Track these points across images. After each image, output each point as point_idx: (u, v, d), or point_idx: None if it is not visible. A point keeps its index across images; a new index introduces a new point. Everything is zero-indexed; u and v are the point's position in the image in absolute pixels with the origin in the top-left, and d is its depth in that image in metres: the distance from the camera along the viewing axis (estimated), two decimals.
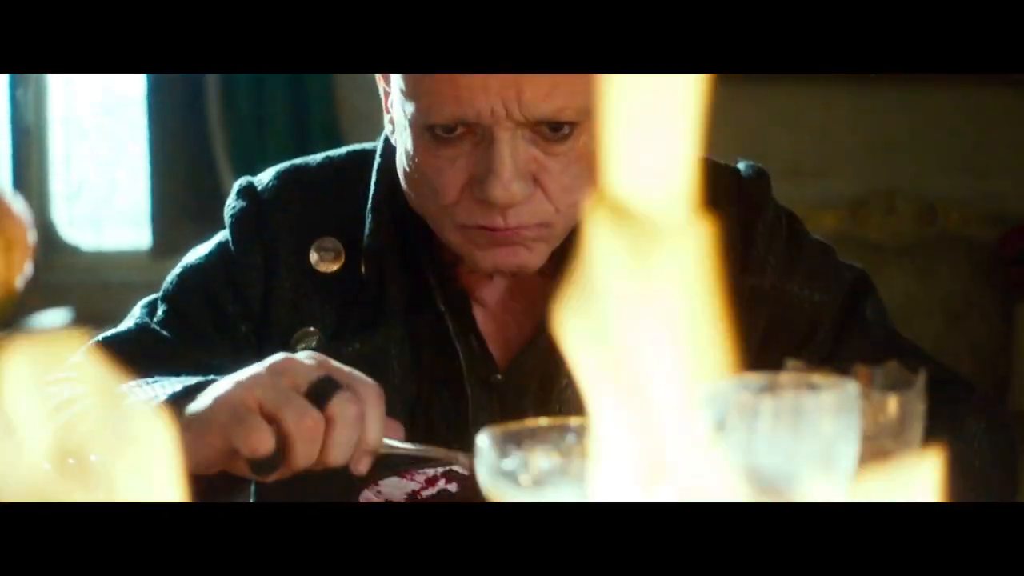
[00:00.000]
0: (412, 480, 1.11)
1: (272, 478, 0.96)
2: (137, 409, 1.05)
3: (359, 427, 0.97)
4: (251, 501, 1.33)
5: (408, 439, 1.13)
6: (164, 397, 1.04)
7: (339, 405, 0.96)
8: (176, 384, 1.07)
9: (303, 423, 0.95)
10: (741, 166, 1.29)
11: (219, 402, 0.98)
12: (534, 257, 1.14)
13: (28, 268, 0.53)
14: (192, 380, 1.07)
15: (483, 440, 0.66)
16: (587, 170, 1.12)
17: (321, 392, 0.97)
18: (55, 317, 0.50)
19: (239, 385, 0.98)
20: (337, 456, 0.97)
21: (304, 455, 0.96)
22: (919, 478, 1.06)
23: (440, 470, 1.11)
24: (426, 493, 1.10)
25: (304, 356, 1.00)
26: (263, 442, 0.94)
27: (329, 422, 0.96)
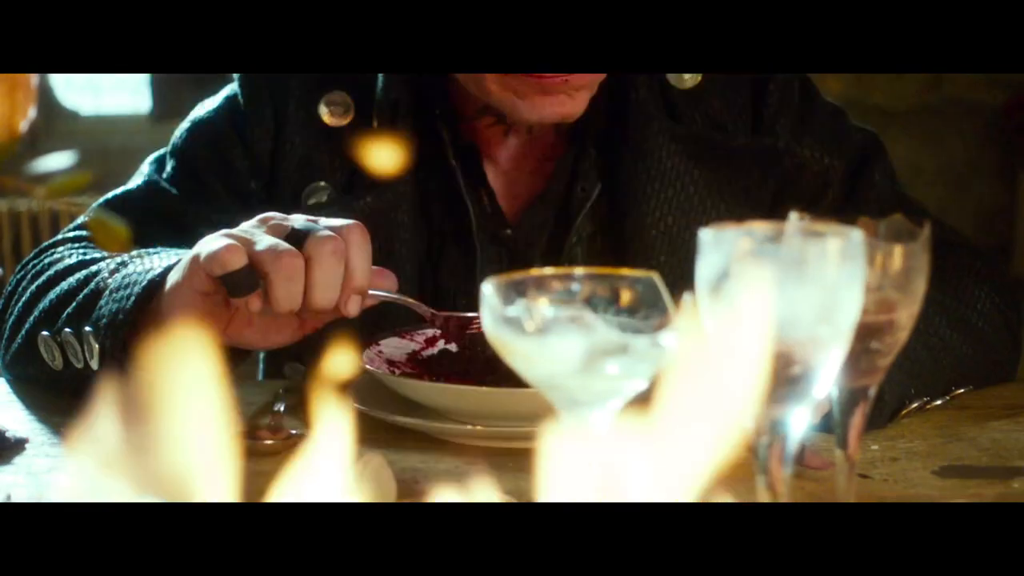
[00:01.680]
0: (412, 340, 1.12)
1: (253, 306, 0.97)
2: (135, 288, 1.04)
3: (341, 265, 0.97)
4: (260, 366, 1.34)
5: (417, 294, 1.14)
6: (159, 270, 1.04)
7: (316, 243, 0.96)
8: (172, 256, 1.08)
9: (280, 260, 0.95)
10: None
11: (197, 245, 1.00)
12: (577, 105, 1.13)
13: (32, 111, 0.53)
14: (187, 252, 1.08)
15: (488, 287, 0.67)
16: None
17: (300, 235, 0.97)
18: (60, 159, 0.50)
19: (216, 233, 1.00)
20: (321, 296, 0.97)
21: (286, 294, 0.96)
22: (924, 339, 1.07)
23: (439, 331, 1.12)
24: (426, 353, 1.11)
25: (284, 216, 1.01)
26: (233, 253, 0.96)
27: (309, 261, 0.96)
